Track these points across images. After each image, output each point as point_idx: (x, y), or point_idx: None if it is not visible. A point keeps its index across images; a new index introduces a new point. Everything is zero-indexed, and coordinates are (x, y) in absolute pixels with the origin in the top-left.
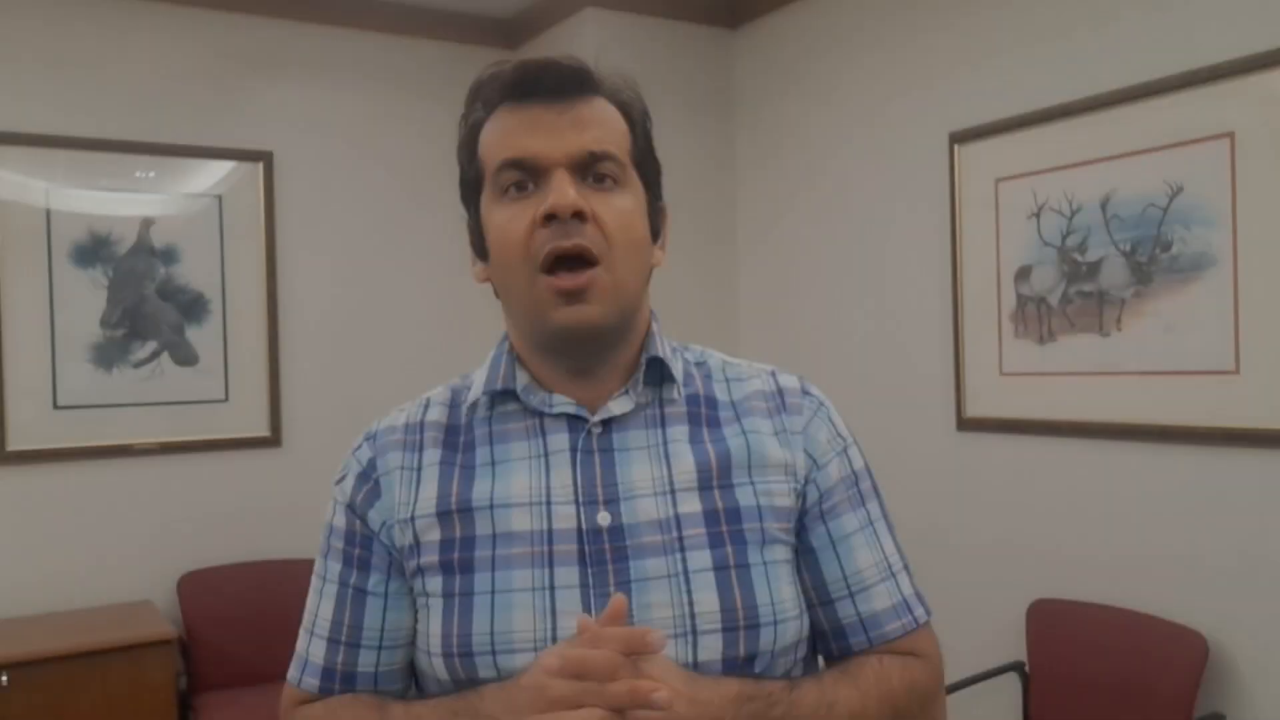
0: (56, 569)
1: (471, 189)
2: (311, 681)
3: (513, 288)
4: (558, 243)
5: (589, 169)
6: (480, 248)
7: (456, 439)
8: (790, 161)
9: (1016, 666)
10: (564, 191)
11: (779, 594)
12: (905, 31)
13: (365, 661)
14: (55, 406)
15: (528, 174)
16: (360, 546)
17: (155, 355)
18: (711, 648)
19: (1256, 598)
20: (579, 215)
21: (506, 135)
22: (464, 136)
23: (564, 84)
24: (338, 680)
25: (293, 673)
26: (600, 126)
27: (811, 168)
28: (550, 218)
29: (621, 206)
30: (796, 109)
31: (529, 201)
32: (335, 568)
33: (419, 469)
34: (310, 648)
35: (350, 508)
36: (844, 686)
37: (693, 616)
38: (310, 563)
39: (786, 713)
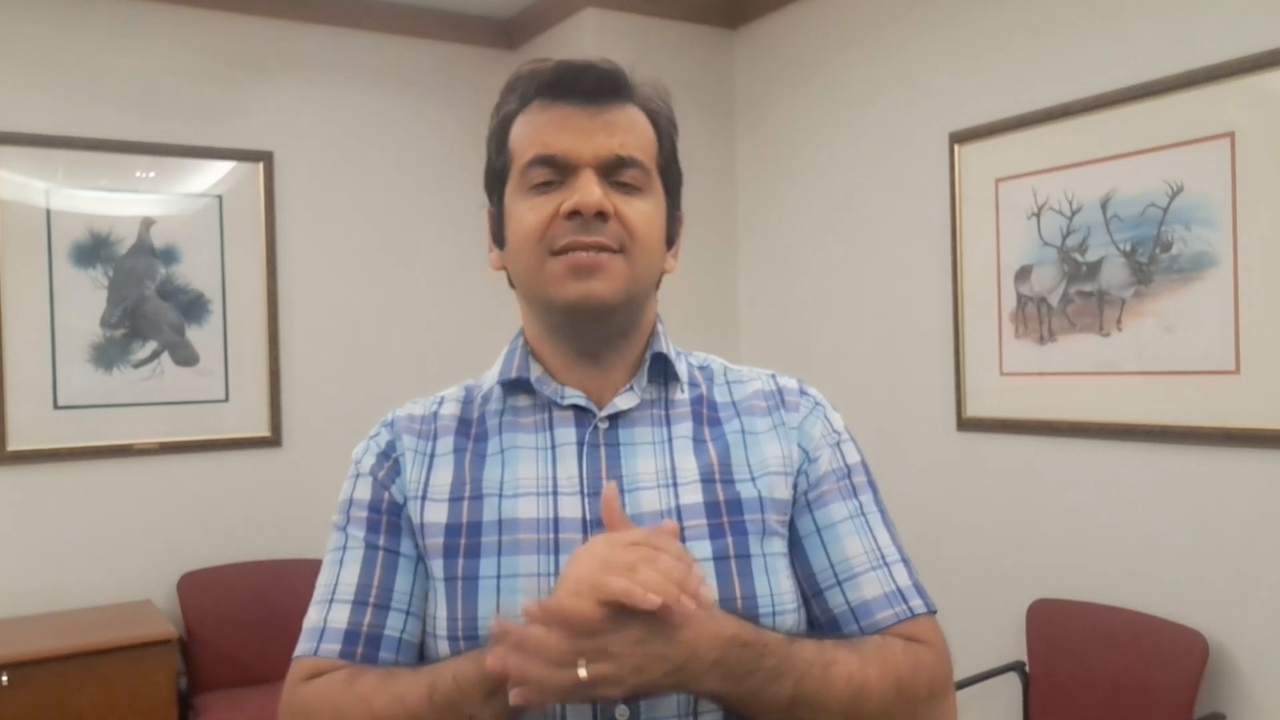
0: (56, 569)
1: (497, 179)
2: (331, 647)
3: (526, 269)
4: (577, 237)
5: (615, 172)
6: (499, 236)
7: (469, 429)
8: (790, 161)
9: (1016, 666)
10: (590, 190)
11: (778, 586)
12: (905, 31)
13: (393, 625)
14: (55, 406)
15: (555, 171)
16: (388, 513)
17: (155, 355)
18: None
19: (1256, 598)
20: (601, 214)
21: (538, 131)
22: (495, 127)
23: (599, 87)
24: (361, 643)
25: (305, 645)
26: (629, 132)
27: (811, 168)
28: (574, 214)
29: (642, 209)
30: (796, 109)
31: (553, 196)
32: (359, 534)
33: (432, 455)
34: (330, 614)
35: (374, 478)
36: (844, 650)
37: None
38: (311, 562)
39: (779, 664)
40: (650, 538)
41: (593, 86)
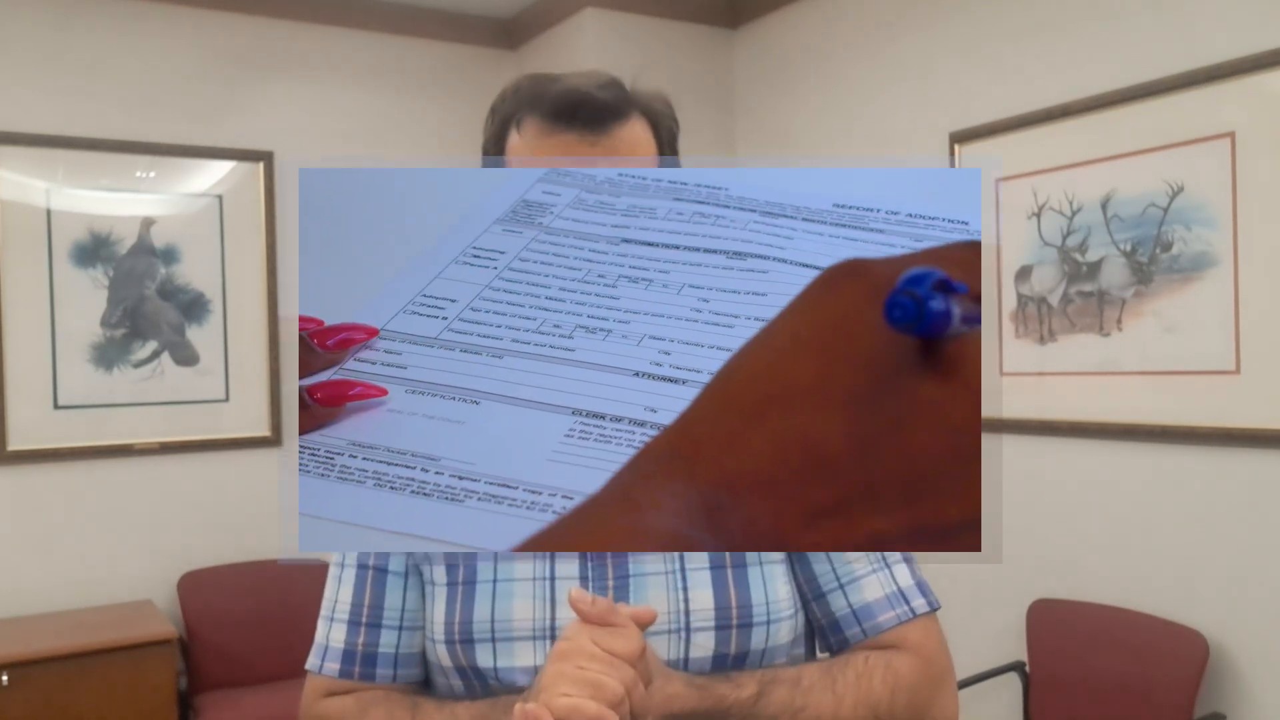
0: (56, 569)
1: None
2: (332, 666)
3: None
4: None
5: None
6: None
7: None
8: (790, 162)
9: (1016, 666)
10: None
11: (774, 594)
12: (905, 31)
13: (386, 642)
14: (55, 406)
15: None
16: None
17: (155, 355)
18: (703, 644)
19: (1256, 598)
20: None
21: (536, 157)
22: (491, 133)
23: (600, 116)
24: (358, 663)
25: (312, 661)
26: (630, 156)
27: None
28: None
29: None
30: (797, 109)
31: None
32: (353, 553)
33: None
34: (330, 633)
35: None
36: (817, 692)
37: (687, 613)
38: (311, 562)
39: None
40: (629, 651)
41: (593, 115)
